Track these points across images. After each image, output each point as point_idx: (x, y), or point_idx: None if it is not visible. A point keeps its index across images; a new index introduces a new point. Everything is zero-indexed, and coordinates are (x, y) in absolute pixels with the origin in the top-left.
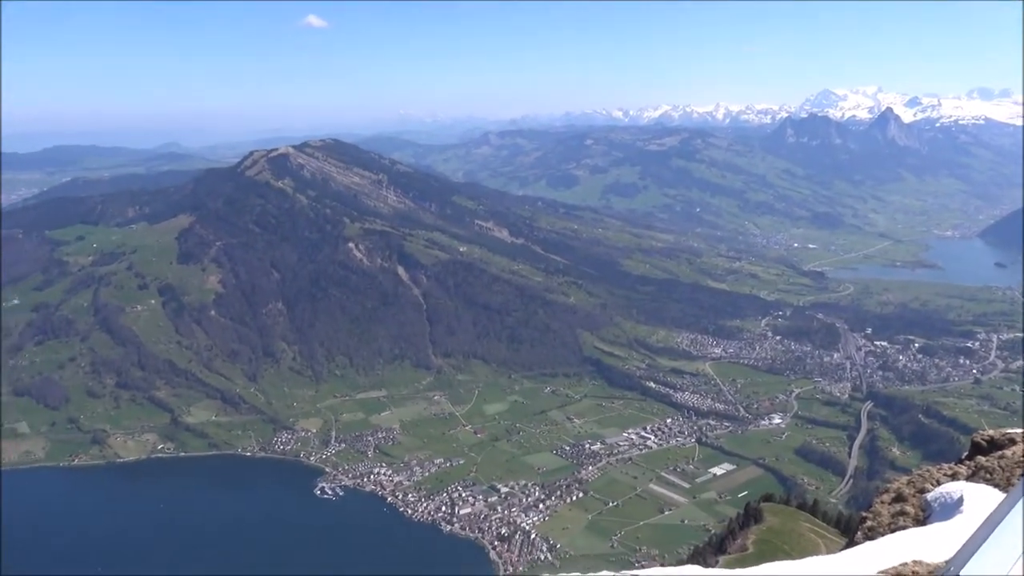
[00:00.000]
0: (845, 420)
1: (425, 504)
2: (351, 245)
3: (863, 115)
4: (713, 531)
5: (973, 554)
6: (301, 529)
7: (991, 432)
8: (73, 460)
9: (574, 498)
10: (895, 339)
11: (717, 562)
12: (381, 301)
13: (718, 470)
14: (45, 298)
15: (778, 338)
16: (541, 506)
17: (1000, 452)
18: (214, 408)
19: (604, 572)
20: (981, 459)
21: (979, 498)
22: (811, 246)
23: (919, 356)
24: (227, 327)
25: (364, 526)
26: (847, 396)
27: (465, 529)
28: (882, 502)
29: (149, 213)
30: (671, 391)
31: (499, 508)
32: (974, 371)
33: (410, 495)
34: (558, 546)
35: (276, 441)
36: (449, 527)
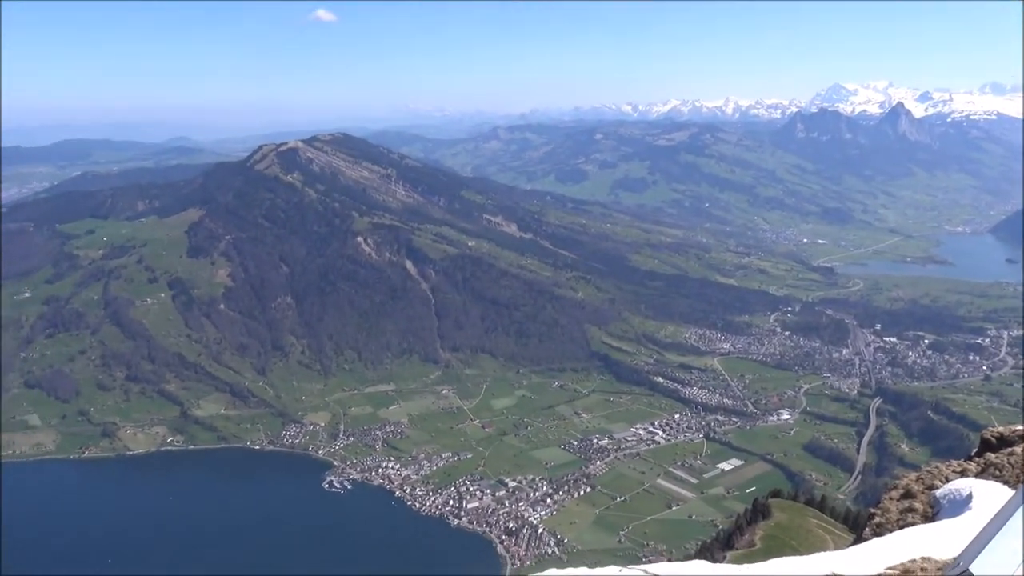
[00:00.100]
0: (854, 416)
1: (433, 498)
2: (360, 239)
3: (874, 110)
4: (721, 527)
5: (982, 550)
6: (309, 522)
7: (1001, 429)
8: (83, 452)
9: (582, 493)
10: (904, 335)
11: (725, 558)
12: (390, 295)
13: (726, 466)
14: (56, 291)
15: (787, 334)
16: (549, 501)
17: (1010, 449)
18: (223, 401)
19: (611, 567)
20: (991, 456)
21: (988, 495)
22: (821, 242)
23: (929, 352)
24: (236, 321)
25: (372, 520)
26: (856, 392)
27: (473, 523)
28: (891, 498)
29: (159, 207)
30: (679, 386)
31: (507, 502)
32: (984, 367)
33: (418, 489)
34: (565, 541)
35: (285, 434)
36: (457, 521)
